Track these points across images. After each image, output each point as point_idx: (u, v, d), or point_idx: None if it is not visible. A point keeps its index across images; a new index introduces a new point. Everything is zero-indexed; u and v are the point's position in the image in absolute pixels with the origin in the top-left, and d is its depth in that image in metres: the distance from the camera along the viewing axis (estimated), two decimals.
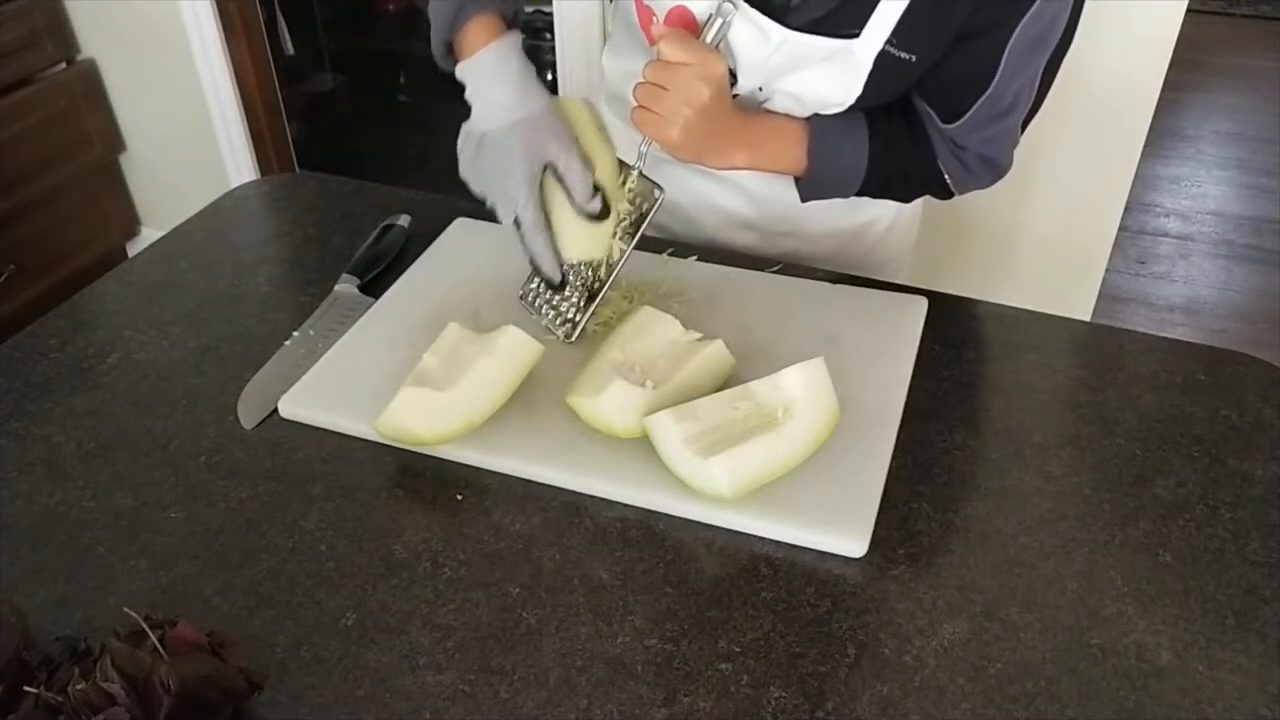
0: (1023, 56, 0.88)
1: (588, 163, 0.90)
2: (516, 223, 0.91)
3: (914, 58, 0.89)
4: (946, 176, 1.00)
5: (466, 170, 0.92)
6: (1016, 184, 1.48)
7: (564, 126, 0.90)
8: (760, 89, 0.97)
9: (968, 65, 0.90)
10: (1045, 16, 0.86)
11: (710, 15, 0.90)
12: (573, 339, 0.95)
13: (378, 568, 0.77)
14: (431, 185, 1.24)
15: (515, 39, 0.91)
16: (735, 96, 0.98)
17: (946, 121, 0.95)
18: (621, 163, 0.95)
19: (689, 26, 0.93)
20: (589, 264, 0.93)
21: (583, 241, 0.92)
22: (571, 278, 0.93)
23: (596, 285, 0.95)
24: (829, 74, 0.92)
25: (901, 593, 0.75)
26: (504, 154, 0.89)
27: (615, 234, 0.93)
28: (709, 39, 0.90)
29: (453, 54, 0.94)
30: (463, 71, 0.91)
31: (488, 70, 0.90)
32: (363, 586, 0.75)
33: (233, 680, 0.62)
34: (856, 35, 0.88)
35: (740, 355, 0.90)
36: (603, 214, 0.91)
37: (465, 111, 0.92)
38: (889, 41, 0.88)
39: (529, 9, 2.78)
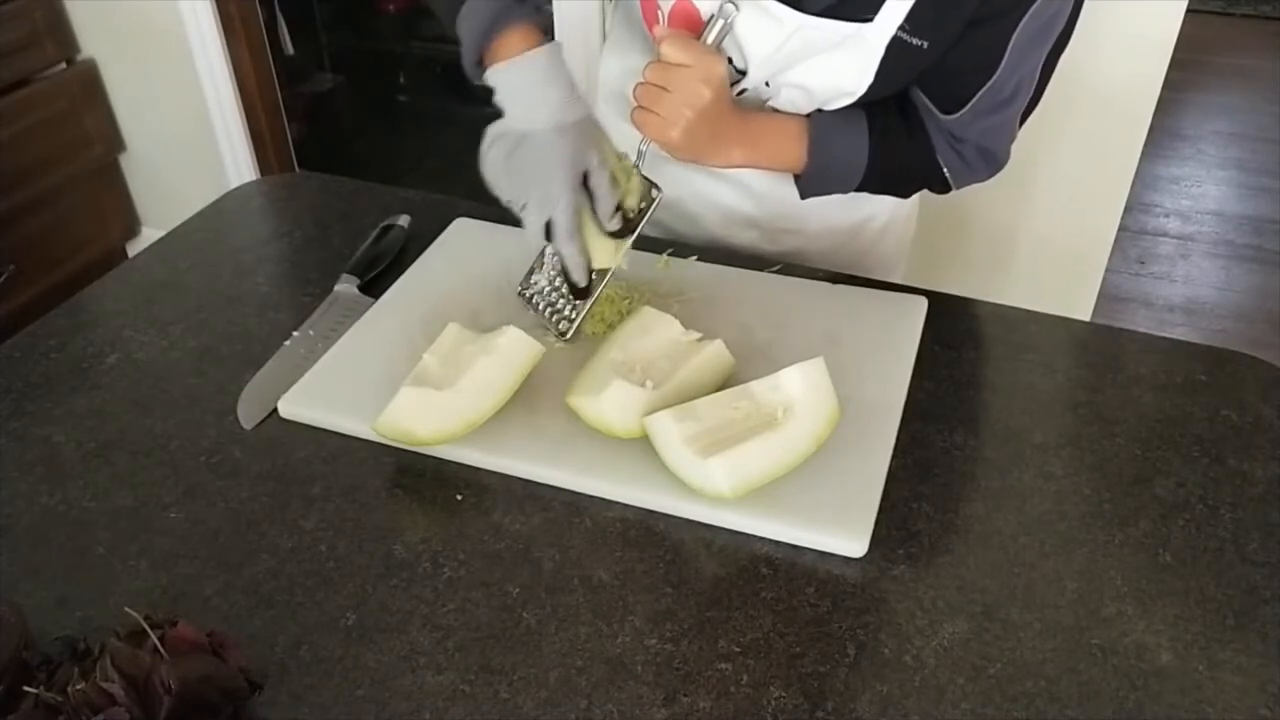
0: (1027, 46, 0.89)
1: (615, 180, 0.90)
2: (547, 226, 0.89)
3: (926, 44, 0.89)
4: (945, 170, 1.00)
5: (495, 170, 0.90)
6: (1016, 183, 1.48)
7: (601, 140, 0.90)
8: (767, 84, 0.97)
9: (973, 53, 0.90)
10: (1051, 7, 0.87)
11: (712, 16, 0.90)
12: (568, 336, 0.95)
13: (378, 568, 0.77)
14: (431, 185, 1.24)
15: (560, 47, 0.91)
16: (742, 93, 0.98)
17: (947, 112, 0.95)
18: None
19: (693, 25, 0.93)
20: (601, 272, 0.94)
21: (601, 253, 0.93)
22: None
23: (593, 285, 0.95)
24: (840, 62, 0.92)
25: (901, 593, 0.75)
26: (548, 156, 0.87)
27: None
28: (710, 40, 0.90)
29: (483, 63, 0.92)
30: (503, 72, 0.89)
31: (538, 72, 0.88)
32: (363, 586, 0.75)
33: (233, 680, 0.62)
34: (870, 20, 0.88)
35: (740, 355, 0.91)
36: (622, 231, 0.92)
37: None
38: (902, 27, 0.88)
39: None
